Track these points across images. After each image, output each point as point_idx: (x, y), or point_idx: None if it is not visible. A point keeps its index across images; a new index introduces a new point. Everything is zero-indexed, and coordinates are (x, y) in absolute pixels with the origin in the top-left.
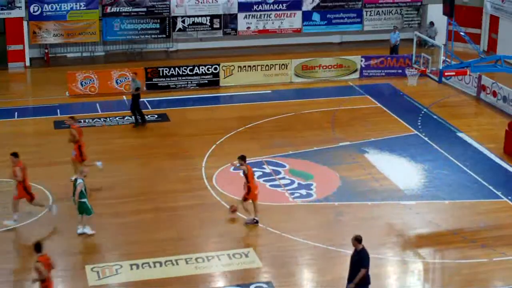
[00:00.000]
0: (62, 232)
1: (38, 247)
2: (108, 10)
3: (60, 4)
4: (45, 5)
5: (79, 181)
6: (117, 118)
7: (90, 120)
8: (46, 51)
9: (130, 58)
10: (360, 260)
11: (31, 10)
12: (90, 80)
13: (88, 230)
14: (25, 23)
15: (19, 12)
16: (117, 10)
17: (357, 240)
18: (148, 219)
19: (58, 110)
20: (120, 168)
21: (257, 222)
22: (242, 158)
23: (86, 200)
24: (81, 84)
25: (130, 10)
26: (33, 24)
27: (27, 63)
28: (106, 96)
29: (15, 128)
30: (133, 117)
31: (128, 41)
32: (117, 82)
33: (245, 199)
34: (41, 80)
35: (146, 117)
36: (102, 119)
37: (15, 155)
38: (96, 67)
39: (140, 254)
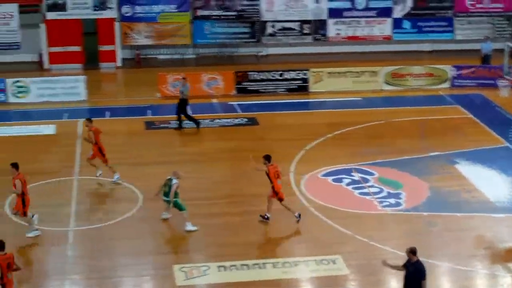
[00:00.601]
0: (151, 232)
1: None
2: (199, 13)
3: (151, 6)
4: (136, 7)
5: (175, 181)
6: (207, 121)
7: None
8: (137, 52)
9: (220, 61)
10: (415, 272)
11: (123, 11)
12: (180, 82)
13: (190, 226)
14: (116, 24)
15: (111, 13)
16: (208, 14)
17: (412, 252)
18: (236, 221)
19: (149, 111)
20: (209, 170)
21: (267, 218)
22: (266, 158)
23: (178, 199)
24: (172, 86)
25: (221, 13)
26: (125, 25)
27: (119, 64)
28: (195, 98)
29: (106, 127)
30: (178, 121)
31: (219, 44)
32: (207, 85)
33: (280, 200)
34: (132, 81)
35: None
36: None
37: (15, 166)
38: (187, 69)
39: (228, 256)
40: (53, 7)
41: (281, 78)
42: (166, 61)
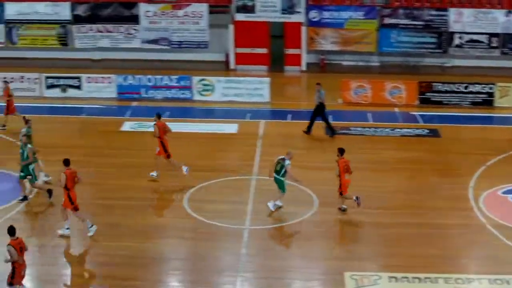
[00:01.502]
0: (325, 236)
1: (10, 231)
2: (386, 21)
3: (339, 12)
4: (324, 12)
5: (288, 162)
6: (387, 130)
7: (361, 129)
8: (322, 57)
9: (405, 70)
10: None
11: (310, 16)
12: (363, 89)
13: (271, 206)
14: (303, 29)
15: (298, 17)
16: (395, 22)
17: None
18: (410, 233)
19: (331, 116)
20: (387, 180)
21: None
22: (340, 151)
23: (284, 179)
24: (354, 93)
25: (408, 22)
26: (311, 30)
27: (303, 68)
28: (378, 106)
29: (286, 130)
30: (326, 126)
31: (404, 53)
32: (390, 94)
33: (340, 193)
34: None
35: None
36: (372, 128)
37: (64, 162)
38: (370, 77)
39: (400, 267)
40: (242, 9)
41: (465, 90)
42: (350, 67)
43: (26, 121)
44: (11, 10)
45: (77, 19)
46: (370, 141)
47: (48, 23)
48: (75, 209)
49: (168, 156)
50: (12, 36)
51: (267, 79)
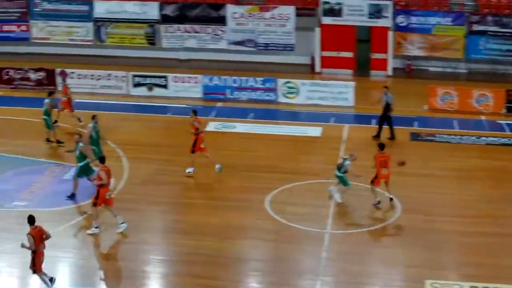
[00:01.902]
0: (407, 243)
1: (30, 220)
2: (474, 28)
3: (426, 18)
4: (412, 17)
5: (348, 162)
6: (473, 137)
7: (446, 136)
8: (409, 62)
9: (492, 78)
10: None
11: (398, 21)
12: (450, 96)
13: (338, 198)
14: (390, 33)
15: (385, 22)
16: (484, 29)
17: None
18: (493, 242)
19: (416, 122)
20: (471, 188)
21: (378, 203)
22: (379, 146)
23: (344, 176)
24: (441, 99)
25: (497, 30)
26: (398, 34)
27: (389, 73)
28: (464, 114)
29: (370, 134)
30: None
31: (492, 61)
32: (477, 101)
33: (372, 182)
34: (401, 91)
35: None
36: (458, 136)
37: (101, 159)
38: (457, 83)
39: (482, 277)
40: (329, 12)
41: None
42: (437, 73)
43: (93, 117)
44: (100, 9)
45: (165, 19)
46: (455, 149)
47: (136, 22)
48: (96, 204)
49: (193, 152)
50: (101, 34)
51: (352, 83)
